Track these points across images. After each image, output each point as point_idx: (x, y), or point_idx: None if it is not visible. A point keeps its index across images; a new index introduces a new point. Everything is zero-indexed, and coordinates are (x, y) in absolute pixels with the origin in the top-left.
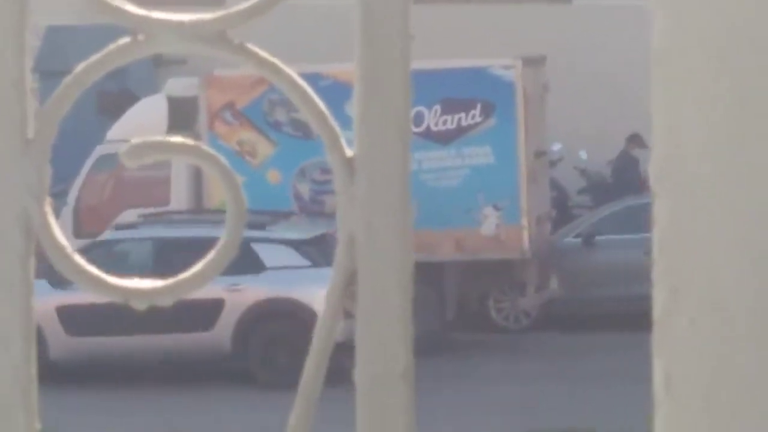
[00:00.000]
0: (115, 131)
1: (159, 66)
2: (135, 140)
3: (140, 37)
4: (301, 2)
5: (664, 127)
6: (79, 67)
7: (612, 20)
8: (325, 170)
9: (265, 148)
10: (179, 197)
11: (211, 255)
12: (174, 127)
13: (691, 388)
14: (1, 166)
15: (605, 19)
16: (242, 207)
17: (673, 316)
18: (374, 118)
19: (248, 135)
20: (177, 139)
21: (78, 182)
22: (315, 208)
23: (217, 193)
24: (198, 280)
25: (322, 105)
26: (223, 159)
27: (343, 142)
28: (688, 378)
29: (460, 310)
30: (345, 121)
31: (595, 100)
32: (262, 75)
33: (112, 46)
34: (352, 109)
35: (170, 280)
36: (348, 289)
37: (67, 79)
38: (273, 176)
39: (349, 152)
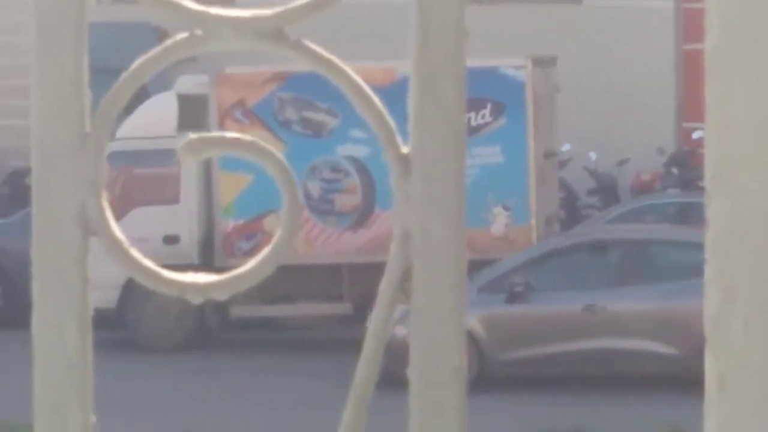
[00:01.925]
0: (125, 128)
1: None
2: (192, 135)
3: (198, 32)
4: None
5: (718, 128)
6: (136, 62)
7: (622, 21)
8: (336, 169)
9: (275, 147)
10: (189, 195)
11: (266, 250)
12: (184, 124)
13: (745, 388)
14: (59, 161)
15: (616, 19)
16: (297, 204)
17: (727, 317)
18: (429, 116)
19: (258, 133)
20: (233, 134)
21: None
22: (325, 207)
23: (227, 192)
24: (253, 274)
25: (378, 102)
26: (280, 155)
27: (398, 138)
28: (742, 378)
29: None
30: (356, 122)
31: (605, 101)
32: (318, 71)
33: (169, 42)
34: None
35: (226, 275)
36: (402, 285)
37: (125, 75)
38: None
39: (404, 149)
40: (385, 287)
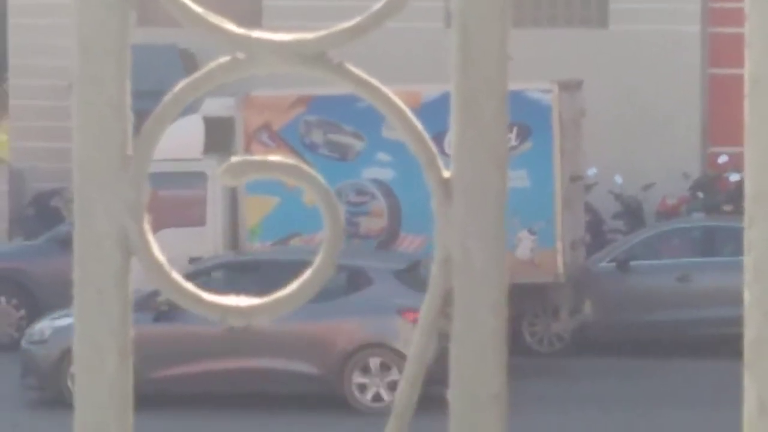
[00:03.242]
0: None
1: None
2: (235, 159)
3: (240, 56)
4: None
5: (759, 151)
6: (179, 85)
7: (649, 45)
8: (361, 192)
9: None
10: (215, 217)
11: (306, 274)
12: (210, 147)
13: None
14: (100, 184)
15: (642, 43)
16: (340, 229)
17: None
18: (471, 140)
19: (284, 156)
20: (276, 158)
21: None
22: (350, 230)
23: (252, 215)
24: (296, 297)
25: (419, 126)
26: (322, 179)
27: (440, 162)
28: None
29: None
30: (382, 145)
31: (630, 125)
32: (360, 94)
33: (213, 65)
34: (388, 131)
35: (268, 299)
36: (443, 309)
37: (167, 98)
38: (309, 198)
39: (446, 173)
40: (427, 311)
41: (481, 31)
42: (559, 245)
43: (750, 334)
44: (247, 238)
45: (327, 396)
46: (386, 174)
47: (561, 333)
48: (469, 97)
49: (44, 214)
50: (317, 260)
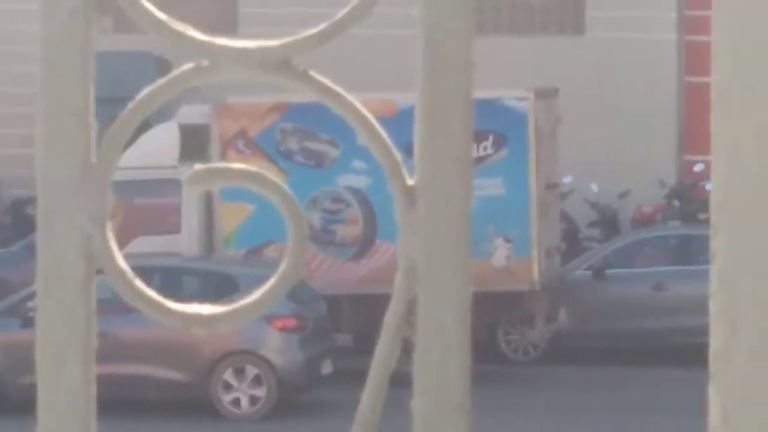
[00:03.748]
0: (127, 158)
1: None
2: (198, 166)
3: (204, 63)
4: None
5: (724, 161)
6: (142, 92)
7: (625, 53)
8: (337, 199)
9: (276, 177)
10: (190, 225)
11: (271, 281)
12: (186, 154)
13: (750, 423)
14: (63, 192)
15: (618, 51)
16: (303, 237)
17: (732, 350)
18: (435, 148)
19: (260, 163)
20: (239, 165)
21: None
22: (326, 238)
23: (227, 222)
24: (258, 306)
25: (384, 134)
26: (286, 188)
27: (404, 170)
28: (747, 412)
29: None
30: (357, 152)
31: (606, 132)
32: (324, 102)
33: (176, 72)
34: (362, 140)
35: (231, 306)
36: (407, 317)
37: (130, 105)
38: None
39: (409, 180)
40: (391, 318)
41: (445, 40)
42: (534, 253)
43: (715, 343)
44: (222, 245)
45: (195, 402)
46: (362, 181)
47: (536, 341)
48: (433, 105)
49: (20, 221)
50: (281, 268)
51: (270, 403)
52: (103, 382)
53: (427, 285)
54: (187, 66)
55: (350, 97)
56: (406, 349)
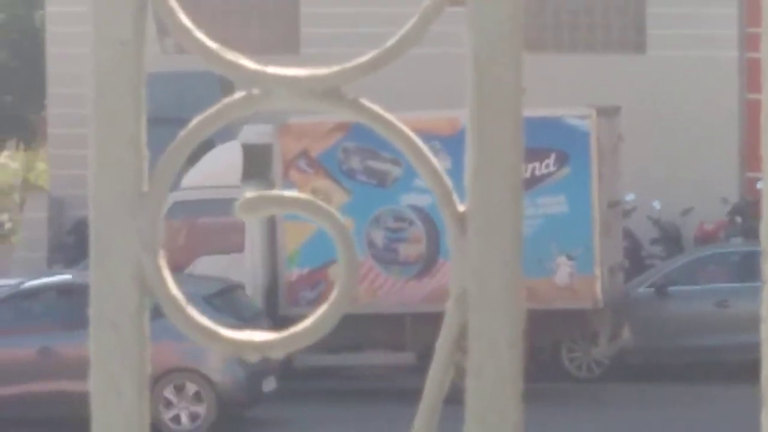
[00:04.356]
0: (190, 178)
1: None
2: (247, 192)
3: (255, 91)
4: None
5: None
6: (194, 121)
7: (685, 70)
8: (399, 218)
9: (339, 196)
10: (254, 244)
11: (323, 308)
12: (249, 174)
13: None
14: (116, 220)
15: (679, 69)
16: (355, 264)
17: None
18: (486, 174)
19: (323, 183)
20: (291, 193)
21: None
22: (388, 257)
23: (290, 241)
24: (310, 333)
25: (434, 161)
26: (337, 215)
27: (455, 197)
28: None
29: (533, 360)
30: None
31: (668, 150)
32: (375, 129)
33: (227, 100)
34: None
35: (282, 334)
36: (459, 342)
37: (182, 133)
38: (347, 224)
39: (461, 207)
40: (442, 343)
41: (494, 64)
42: (597, 271)
43: (766, 369)
44: (285, 264)
45: None
46: (424, 200)
47: (600, 358)
48: (484, 129)
49: (84, 241)
50: (333, 295)
51: (209, 419)
52: (43, 399)
53: (479, 311)
54: (239, 94)
55: (400, 125)
56: (459, 374)
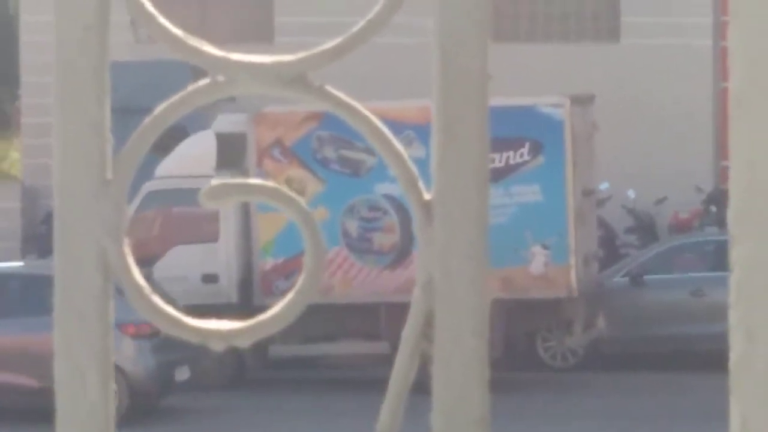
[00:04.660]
0: (164, 168)
1: None
2: (215, 181)
3: (220, 78)
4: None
5: (743, 170)
6: (158, 108)
7: (660, 59)
8: (374, 208)
9: (313, 186)
10: (228, 234)
11: (288, 297)
12: (222, 163)
13: None
14: (80, 207)
15: (653, 57)
16: (322, 251)
17: (750, 360)
18: (452, 162)
19: (297, 172)
20: (256, 180)
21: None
22: (363, 246)
23: (265, 231)
24: (276, 321)
25: (400, 147)
26: (302, 202)
27: (421, 184)
28: (765, 419)
29: (508, 349)
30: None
31: (643, 139)
32: (341, 116)
33: (191, 88)
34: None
35: (248, 322)
36: (425, 330)
37: (147, 121)
38: (321, 214)
39: (427, 195)
40: (408, 332)
41: (459, 52)
42: (572, 260)
43: (734, 354)
44: (259, 254)
45: (46, 409)
46: (399, 190)
47: (575, 348)
48: (449, 118)
49: None
50: (299, 283)
51: (121, 409)
52: None
53: (445, 299)
54: (203, 81)
55: (366, 111)
56: (426, 362)
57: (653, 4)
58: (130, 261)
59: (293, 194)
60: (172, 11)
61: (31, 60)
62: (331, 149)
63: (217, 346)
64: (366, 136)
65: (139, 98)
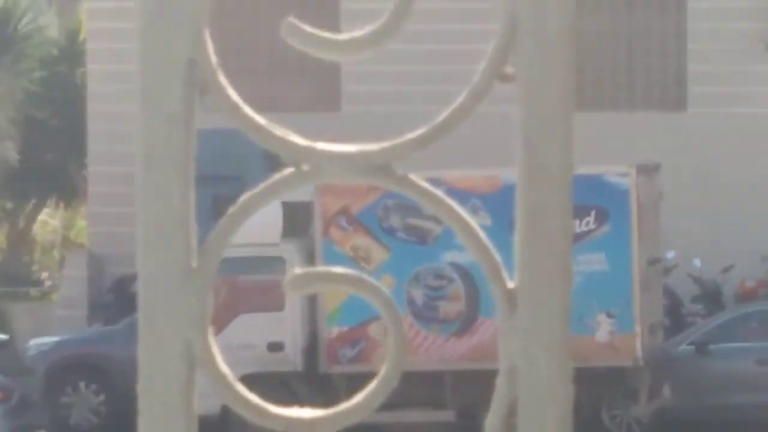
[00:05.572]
0: None
1: (275, 169)
2: (298, 270)
3: (305, 167)
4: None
5: None
6: (243, 197)
7: (726, 128)
8: (439, 276)
9: (379, 254)
10: (294, 302)
11: (372, 385)
12: (289, 232)
13: None
14: (165, 296)
15: (719, 126)
16: (403, 339)
17: None
18: (536, 250)
19: (362, 240)
20: (340, 269)
21: None
22: (428, 314)
23: (331, 299)
24: (359, 410)
25: (483, 236)
26: (386, 292)
27: (504, 273)
28: None
29: (574, 418)
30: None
31: (709, 207)
32: (424, 205)
33: (277, 176)
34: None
35: (332, 410)
36: (508, 419)
37: (231, 210)
38: (387, 281)
39: (510, 284)
40: (492, 420)
41: (544, 143)
42: (637, 329)
43: None
44: (325, 322)
45: None
46: (464, 258)
47: (640, 417)
48: (534, 208)
49: (124, 299)
50: (382, 372)
51: None
52: None
53: (529, 387)
54: (289, 171)
55: (449, 201)
56: None
57: (720, 74)
58: (215, 351)
59: (377, 283)
60: (241, 81)
61: (98, 129)
62: (397, 217)
63: None
64: (449, 224)
65: (211, 166)
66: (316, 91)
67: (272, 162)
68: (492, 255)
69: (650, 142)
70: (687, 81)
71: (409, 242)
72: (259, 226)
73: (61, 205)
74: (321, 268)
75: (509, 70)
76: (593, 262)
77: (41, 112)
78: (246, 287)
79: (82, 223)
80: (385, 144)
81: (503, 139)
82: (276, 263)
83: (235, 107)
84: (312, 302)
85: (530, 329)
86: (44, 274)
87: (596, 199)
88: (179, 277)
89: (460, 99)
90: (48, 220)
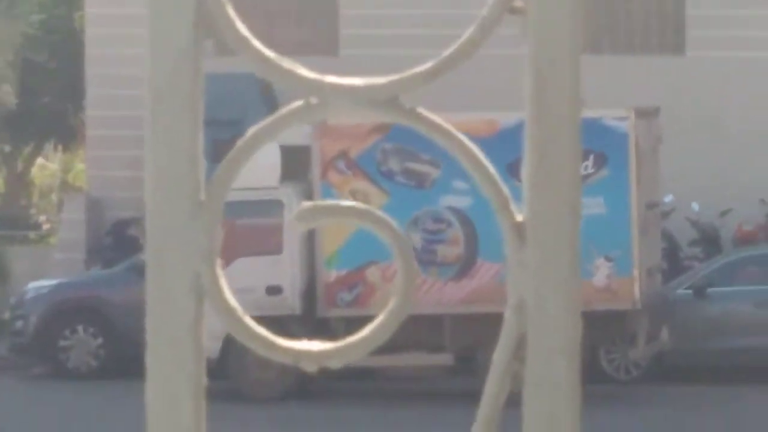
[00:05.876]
0: None
1: (273, 113)
2: (306, 203)
3: (312, 100)
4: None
5: None
6: (250, 131)
7: (725, 72)
8: (438, 219)
9: (377, 198)
10: (292, 246)
11: (380, 318)
12: (287, 175)
13: None
14: (173, 229)
15: (718, 70)
16: (413, 272)
17: None
18: (545, 183)
19: (361, 184)
20: (348, 202)
21: None
22: (427, 258)
23: (329, 243)
24: (367, 342)
25: (492, 169)
26: (395, 224)
27: (512, 206)
28: None
29: None
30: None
31: (707, 151)
32: (433, 138)
33: (285, 110)
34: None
35: (341, 343)
36: (517, 352)
37: (239, 143)
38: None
39: (518, 216)
40: (500, 354)
41: (554, 74)
42: (636, 272)
43: None
44: (323, 266)
45: None
46: (463, 202)
47: (638, 360)
48: (542, 139)
49: (122, 242)
50: (391, 304)
51: None
52: None
53: (537, 322)
54: (296, 104)
55: (459, 135)
56: (517, 384)
57: (719, 18)
58: (223, 283)
59: (385, 216)
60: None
61: (96, 72)
62: (395, 161)
63: (309, 368)
64: (458, 158)
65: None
66: (313, 34)
67: (270, 105)
68: (501, 188)
69: (649, 85)
70: (685, 24)
71: (408, 186)
72: (257, 169)
73: (60, 148)
74: (329, 202)
75: (519, 3)
76: (591, 206)
77: (39, 56)
78: (244, 231)
79: (80, 166)
80: (393, 77)
81: (502, 82)
82: (274, 207)
83: (244, 40)
84: (310, 246)
85: (539, 264)
86: (42, 218)
87: (595, 143)
88: (188, 210)
89: (468, 32)
90: (46, 164)
